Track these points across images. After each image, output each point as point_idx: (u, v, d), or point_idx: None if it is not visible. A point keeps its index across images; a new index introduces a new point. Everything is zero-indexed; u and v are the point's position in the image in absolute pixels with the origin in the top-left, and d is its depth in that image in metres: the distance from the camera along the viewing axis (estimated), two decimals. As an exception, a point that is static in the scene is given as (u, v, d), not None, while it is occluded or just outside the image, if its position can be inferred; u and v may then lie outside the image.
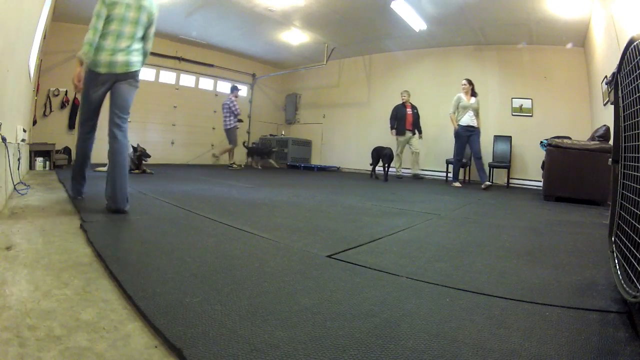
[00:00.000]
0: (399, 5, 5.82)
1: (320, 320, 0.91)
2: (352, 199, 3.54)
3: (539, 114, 6.77)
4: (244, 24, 7.21)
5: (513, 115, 6.95)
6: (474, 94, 5.65)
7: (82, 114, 2.46)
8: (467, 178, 7.17)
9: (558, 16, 5.51)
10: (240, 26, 7.38)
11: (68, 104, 6.90)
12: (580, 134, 5.25)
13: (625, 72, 1.09)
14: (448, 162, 6.93)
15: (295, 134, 10.17)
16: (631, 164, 1.03)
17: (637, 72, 0.96)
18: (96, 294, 1.04)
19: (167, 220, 2.11)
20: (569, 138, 4.53)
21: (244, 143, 8.89)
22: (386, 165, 6.14)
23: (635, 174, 0.98)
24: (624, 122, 1.11)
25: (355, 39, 7.79)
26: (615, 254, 1.16)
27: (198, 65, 8.79)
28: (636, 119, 0.98)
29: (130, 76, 2.35)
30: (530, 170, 6.74)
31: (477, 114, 5.62)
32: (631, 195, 1.01)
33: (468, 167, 7.04)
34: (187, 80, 8.82)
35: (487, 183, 5.43)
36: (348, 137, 9.32)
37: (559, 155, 4.22)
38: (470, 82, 5.65)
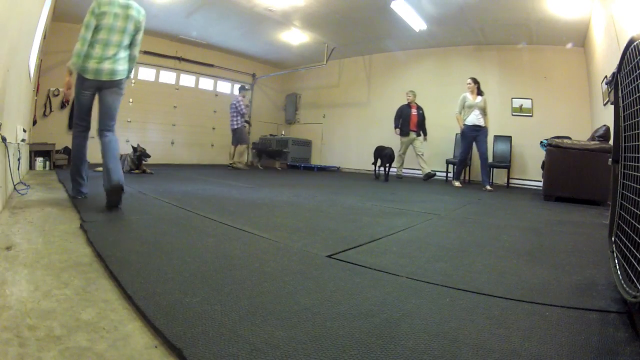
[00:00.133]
0: (399, 5, 5.82)
1: (320, 320, 0.91)
2: (352, 199, 3.54)
3: (539, 114, 6.77)
4: (244, 24, 7.21)
5: (513, 115, 6.95)
6: (480, 92, 5.55)
7: (76, 115, 2.62)
8: (467, 178, 7.17)
9: (558, 16, 5.51)
10: (240, 26, 7.38)
11: (68, 104, 6.89)
12: (580, 134, 5.25)
13: (625, 72, 1.09)
14: (448, 162, 6.93)
15: (295, 134, 10.17)
16: (631, 164, 1.03)
17: (637, 72, 0.96)
18: (96, 294, 1.04)
19: (167, 220, 2.11)
20: (569, 138, 4.53)
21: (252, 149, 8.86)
22: (387, 165, 6.09)
23: (635, 174, 0.98)
24: (624, 122, 1.11)
25: (355, 39, 7.79)
26: (615, 254, 1.16)
27: (198, 65, 8.79)
28: (636, 119, 0.97)
29: (115, 84, 2.52)
30: (530, 170, 6.74)
31: (484, 113, 5.50)
32: (631, 195, 1.01)
33: (469, 167, 7.04)
34: (187, 80, 8.83)
35: (489, 188, 5.33)
36: (348, 137, 9.32)
37: (559, 155, 4.22)
38: (475, 81, 5.55)
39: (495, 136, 6.80)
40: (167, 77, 8.48)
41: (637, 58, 0.97)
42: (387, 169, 6.15)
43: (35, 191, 3.03)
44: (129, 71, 2.66)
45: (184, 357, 0.73)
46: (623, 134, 1.12)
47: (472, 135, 5.48)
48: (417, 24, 6.48)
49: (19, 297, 0.97)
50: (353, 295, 1.10)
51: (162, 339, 0.81)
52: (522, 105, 6.90)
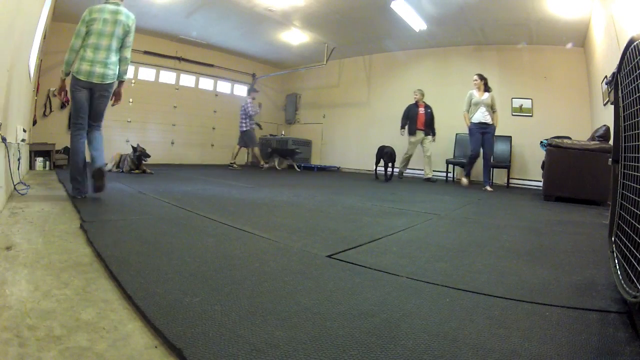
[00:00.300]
0: (399, 5, 5.82)
1: (320, 320, 0.91)
2: (352, 199, 3.54)
3: (539, 114, 6.77)
4: (244, 24, 7.21)
5: (513, 115, 6.95)
6: (487, 89, 5.39)
7: (73, 114, 2.76)
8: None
9: (558, 16, 5.51)
10: (240, 26, 7.38)
11: (68, 104, 6.90)
12: (580, 134, 5.25)
13: (625, 72, 1.09)
14: (448, 162, 6.93)
15: (295, 134, 10.17)
16: (631, 164, 1.03)
17: (637, 72, 0.96)
18: (96, 294, 1.04)
19: (167, 220, 2.11)
20: (569, 138, 4.53)
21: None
22: (388, 164, 5.94)
23: (635, 174, 0.98)
24: (624, 122, 1.11)
25: (355, 39, 7.79)
26: (615, 254, 1.16)
27: (198, 65, 8.80)
28: (636, 119, 0.97)
29: (105, 87, 2.72)
30: (530, 170, 6.73)
31: (491, 110, 5.35)
32: (631, 195, 1.01)
33: (468, 167, 7.04)
34: (187, 80, 8.83)
35: (489, 188, 5.24)
36: (348, 137, 9.32)
37: (559, 155, 4.22)
38: (481, 77, 5.39)
39: (495, 136, 6.79)
40: (167, 77, 8.49)
41: (637, 58, 0.97)
42: (388, 168, 5.98)
43: (35, 191, 3.03)
44: (124, 72, 2.81)
45: (184, 357, 0.73)
46: (623, 134, 1.12)
47: (480, 132, 5.33)
48: (417, 24, 6.48)
49: (19, 297, 0.97)
50: (353, 295, 1.10)
51: (162, 339, 0.81)
52: (522, 105, 6.90)
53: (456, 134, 7.12)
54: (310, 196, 3.63)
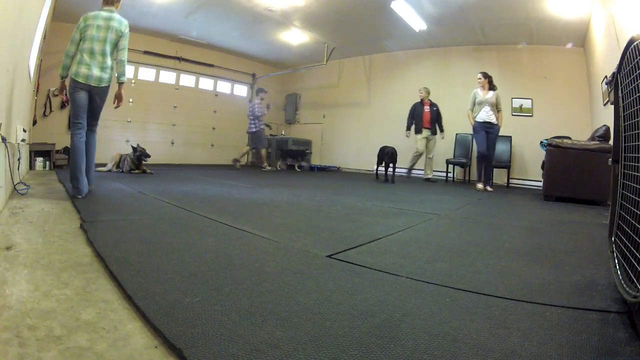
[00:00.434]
0: (399, 5, 5.82)
1: (320, 320, 0.91)
2: (352, 199, 3.54)
3: (539, 114, 6.77)
4: (244, 24, 7.21)
5: (513, 115, 6.94)
6: (492, 87, 5.27)
7: (72, 114, 2.85)
8: (467, 178, 7.17)
9: (558, 16, 5.51)
10: (240, 26, 7.38)
11: (68, 104, 6.91)
12: (580, 134, 5.25)
13: (625, 72, 1.09)
14: (448, 162, 6.92)
15: (295, 134, 10.17)
16: (631, 164, 1.03)
17: (637, 72, 0.96)
18: (96, 294, 1.04)
19: (167, 220, 2.11)
20: (569, 138, 4.53)
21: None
22: (389, 164, 5.78)
23: (635, 174, 0.98)
24: (624, 122, 1.11)
25: (355, 39, 7.79)
26: (615, 254, 1.16)
27: (198, 65, 8.79)
28: (636, 119, 0.97)
29: (102, 90, 2.85)
30: (530, 170, 6.73)
31: (496, 109, 5.21)
32: (631, 195, 1.01)
33: (468, 167, 7.04)
34: (187, 80, 8.83)
35: (489, 189, 5.07)
36: (348, 137, 9.32)
37: (559, 155, 4.22)
38: (486, 76, 5.27)
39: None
40: (167, 77, 8.48)
41: (637, 58, 0.97)
42: (389, 169, 5.84)
43: (35, 191, 3.03)
44: (121, 74, 2.92)
45: (184, 357, 0.73)
46: (623, 134, 1.12)
47: (484, 131, 5.19)
48: (417, 24, 6.47)
49: (19, 297, 0.97)
50: (353, 295, 1.10)
51: (162, 339, 0.81)
52: (522, 105, 6.89)
53: (456, 134, 7.12)
54: (310, 196, 3.63)
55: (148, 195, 3.11)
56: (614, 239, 1.21)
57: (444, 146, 7.26)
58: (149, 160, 5.68)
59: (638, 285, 0.88)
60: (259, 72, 9.93)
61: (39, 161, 5.42)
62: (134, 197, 2.98)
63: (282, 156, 8.78)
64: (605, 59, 4.69)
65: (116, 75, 2.93)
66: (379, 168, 6.17)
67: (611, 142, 1.68)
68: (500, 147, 6.74)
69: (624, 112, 1.12)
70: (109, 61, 2.83)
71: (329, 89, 9.71)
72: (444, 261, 1.53)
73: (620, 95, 1.15)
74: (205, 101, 9.13)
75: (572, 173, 4.11)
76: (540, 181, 5.37)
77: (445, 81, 7.59)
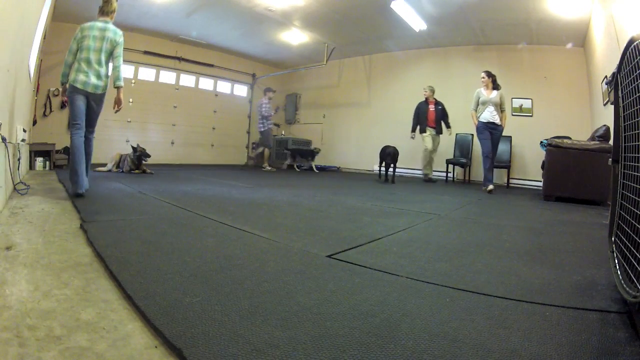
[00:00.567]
0: (399, 5, 5.82)
1: (320, 320, 0.91)
2: (352, 199, 3.54)
3: (539, 114, 6.77)
4: (244, 24, 7.21)
5: (513, 115, 6.93)
6: (495, 87, 5.13)
7: (71, 116, 2.95)
8: (467, 178, 7.17)
9: (558, 16, 5.51)
10: (240, 26, 7.38)
11: (68, 104, 6.91)
12: (580, 134, 5.25)
13: (625, 72, 1.09)
14: (448, 162, 6.92)
15: (295, 134, 10.17)
16: (631, 164, 1.03)
17: (637, 72, 0.96)
18: (96, 294, 1.04)
19: (167, 220, 2.11)
20: (569, 138, 4.53)
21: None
22: (390, 165, 5.74)
23: (635, 174, 0.98)
24: (624, 122, 1.11)
25: (355, 39, 7.79)
26: (615, 254, 1.16)
27: (198, 65, 8.79)
28: (636, 119, 0.97)
29: (98, 97, 2.98)
30: (530, 170, 6.73)
31: (500, 109, 5.08)
32: (631, 195, 1.01)
33: (468, 167, 7.04)
34: (187, 80, 8.82)
35: (489, 187, 4.96)
36: (348, 137, 9.32)
37: (559, 155, 4.22)
38: (489, 75, 5.14)
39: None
40: (167, 77, 8.48)
41: (637, 58, 0.97)
42: (391, 169, 5.79)
43: (35, 191, 3.03)
44: (117, 79, 3.03)
45: (184, 357, 0.73)
46: (623, 134, 1.12)
47: (488, 130, 5.07)
48: (417, 24, 6.47)
49: (19, 297, 0.97)
50: (353, 295, 1.10)
51: (162, 339, 0.81)
52: (522, 105, 6.89)
53: (456, 134, 7.11)
54: (310, 196, 3.63)
55: (148, 195, 3.11)
56: (614, 239, 1.21)
57: (444, 146, 7.26)
58: (149, 160, 5.68)
59: (638, 285, 0.88)
60: (259, 72, 9.93)
61: (39, 161, 5.42)
62: (134, 197, 2.98)
63: (292, 155, 8.73)
64: (605, 59, 4.69)
65: (113, 80, 3.03)
66: (381, 168, 6.15)
67: (611, 142, 1.68)
68: (501, 147, 6.71)
69: (624, 112, 1.12)
70: (104, 69, 2.98)
71: (329, 89, 9.71)
72: (444, 261, 1.53)
73: (620, 95, 1.15)
74: (205, 101, 9.13)
75: (572, 173, 4.11)
76: (540, 181, 5.37)
77: (445, 81, 7.58)
